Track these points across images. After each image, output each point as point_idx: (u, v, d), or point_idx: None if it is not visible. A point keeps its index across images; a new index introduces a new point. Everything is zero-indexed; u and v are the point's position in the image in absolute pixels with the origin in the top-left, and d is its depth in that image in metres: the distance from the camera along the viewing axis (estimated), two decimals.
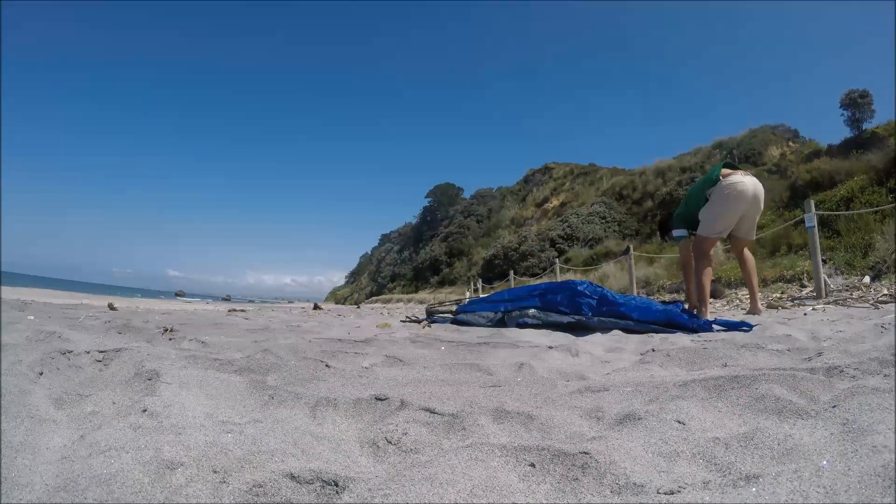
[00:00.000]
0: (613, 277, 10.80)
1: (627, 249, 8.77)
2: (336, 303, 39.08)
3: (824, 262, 6.71)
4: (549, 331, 2.72)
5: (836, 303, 4.91)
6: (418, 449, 0.85)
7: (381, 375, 1.40)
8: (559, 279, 11.37)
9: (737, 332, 2.54)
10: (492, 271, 18.65)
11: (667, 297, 8.01)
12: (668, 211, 3.99)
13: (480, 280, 17.73)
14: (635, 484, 0.66)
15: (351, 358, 1.68)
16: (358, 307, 16.61)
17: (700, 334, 2.56)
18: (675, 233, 3.88)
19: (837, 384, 1.04)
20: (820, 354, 1.49)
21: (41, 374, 1.18)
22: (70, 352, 1.34)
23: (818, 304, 5.00)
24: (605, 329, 2.78)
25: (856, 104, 11.76)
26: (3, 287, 7.92)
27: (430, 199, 37.31)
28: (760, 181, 3.50)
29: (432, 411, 0.98)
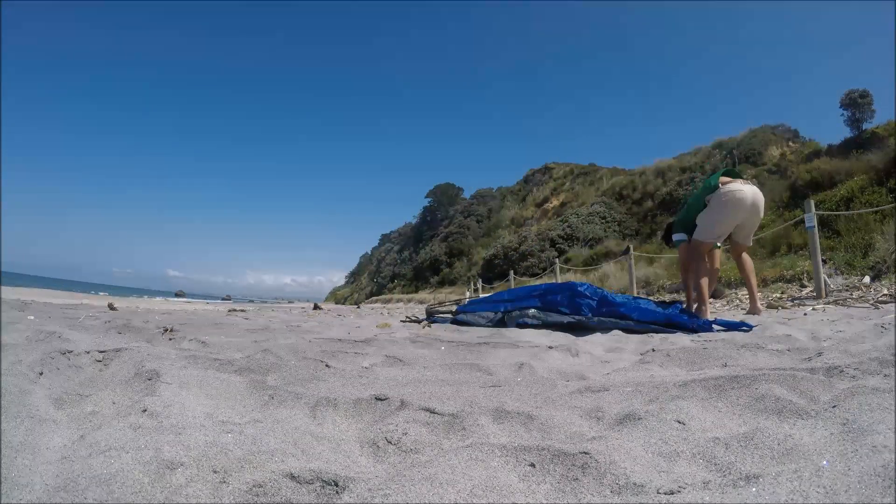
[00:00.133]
0: (613, 277, 10.80)
1: (627, 249, 8.77)
2: (336, 303, 39.08)
3: (824, 262, 6.71)
4: (549, 331, 2.72)
5: (836, 303, 4.91)
6: (418, 449, 0.85)
7: (381, 375, 1.40)
8: (559, 279, 11.37)
9: (737, 332, 2.54)
10: (492, 271, 18.65)
11: (667, 298, 8.01)
12: (670, 219, 4.14)
13: (480, 280, 17.73)
14: (635, 484, 0.66)
15: (351, 358, 1.68)
16: (358, 307, 16.61)
17: (700, 334, 2.56)
18: (675, 237, 3.92)
19: (837, 384, 1.04)
20: (820, 354, 1.49)
21: (41, 374, 1.18)
22: (70, 352, 1.34)
23: (818, 304, 5.00)
24: (605, 329, 2.78)
25: (856, 104, 11.76)
26: (3, 287, 7.92)
27: (430, 199, 37.31)
28: (760, 181, 3.57)
29: (432, 411, 0.98)
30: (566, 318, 2.91)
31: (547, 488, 0.68)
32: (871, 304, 4.48)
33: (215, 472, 0.71)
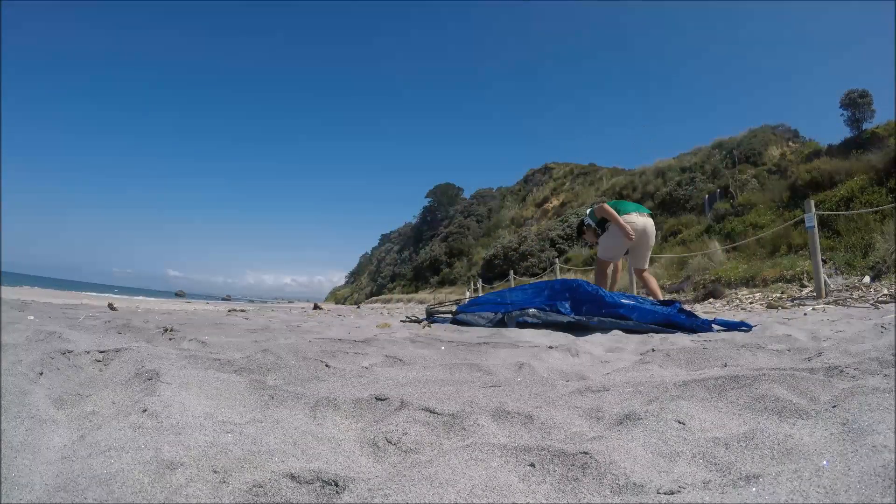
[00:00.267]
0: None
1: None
2: (336, 303, 39.07)
3: (824, 262, 6.71)
4: (549, 331, 2.72)
5: (836, 303, 4.91)
6: (418, 449, 0.85)
7: (381, 375, 1.40)
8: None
9: (737, 332, 2.54)
10: (492, 271, 18.66)
11: (667, 297, 8.01)
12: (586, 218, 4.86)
13: (480, 280, 17.73)
14: (635, 484, 0.66)
15: (351, 358, 1.68)
16: (358, 307, 16.61)
17: (700, 334, 2.57)
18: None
19: (837, 384, 1.04)
20: (820, 354, 1.49)
21: (41, 374, 1.18)
22: (70, 352, 1.34)
23: (818, 304, 5.00)
24: (605, 329, 2.78)
25: (856, 104, 11.76)
26: (3, 287, 7.92)
27: (430, 199, 37.32)
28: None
29: (432, 411, 0.98)
30: (566, 318, 2.91)
31: (547, 488, 0.68)
32: (871, 304, 4.48)
33: (215, 472, 0.71)
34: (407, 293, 28.37)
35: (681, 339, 2.31)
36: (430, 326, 3.28)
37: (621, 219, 4.26)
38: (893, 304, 4.25)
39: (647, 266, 4.53)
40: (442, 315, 3.78)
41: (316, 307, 11.40)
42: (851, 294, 5.44)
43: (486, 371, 1.49)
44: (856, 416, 0.81)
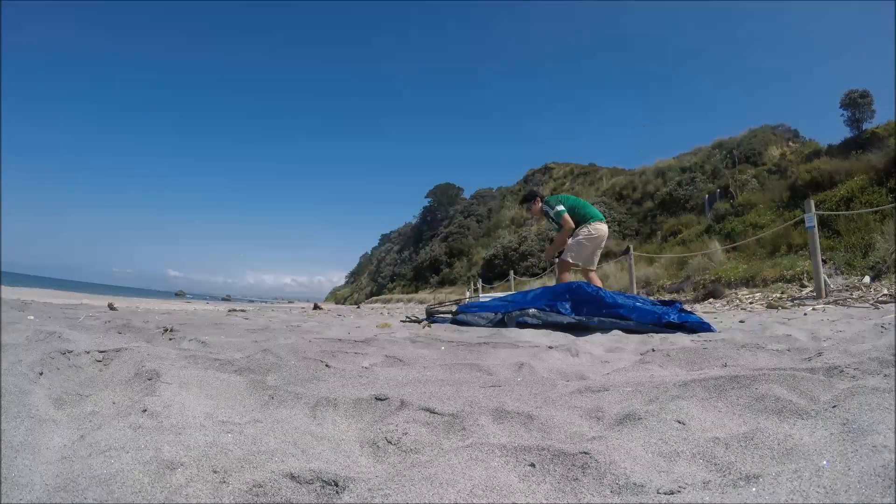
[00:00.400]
0: (613, 277, 10.80)
1: (627, 249, 8.77)
2: (336, 303, 39.08)
3: (824, 262, 6.71)
4: (549, 331, 2.72)
5: (836, 303, 4.91)
6: (418, 449, 0.85)
7: (381, 375, 1.40)
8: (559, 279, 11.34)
9: (737, 332, 2.54)
10: (492, 271, 18.65)
11: (667, 297, 8.01)
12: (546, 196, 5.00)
13: (480, 280, 17.72)
14: (635, 484, 0.66)
15: (351, 358, 1.68)
16: (358, 307, 16.61)
17: (700, 334, 2.57)
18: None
19: (837, 384, 1.04)
20: (820, 354, 1.49)
21: (41, 374, 1.18)
22: (70, 352, 1.34)
23: (818, 304, 5.00)
24: (605, 329, 2.78)
25: (856, 104, 11.76)
26: (3, 287, 7.92)
27: (430, 199, 37.31)
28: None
29: (432, 411, 0.98)
30: (566, 319, 2.91)
31: (547, 488, 0.68)
32: (871, 304, 4.48)
33: (215, 472, 0.71)
34: (407, 293, 28.37)
35: (681, 339, 2.31)
36: (430, 326, 3.28)
37: (591, 226, 4.65)
38: (893, 304, 4.25)
39: (594, 266, 4.88)
40: (442, 315, 3.78)
41: (316, 307, 11.40)
42: (851, 294, 5.44)
43: (486, 371, 1.49)
44: (856, 416, 0.81)
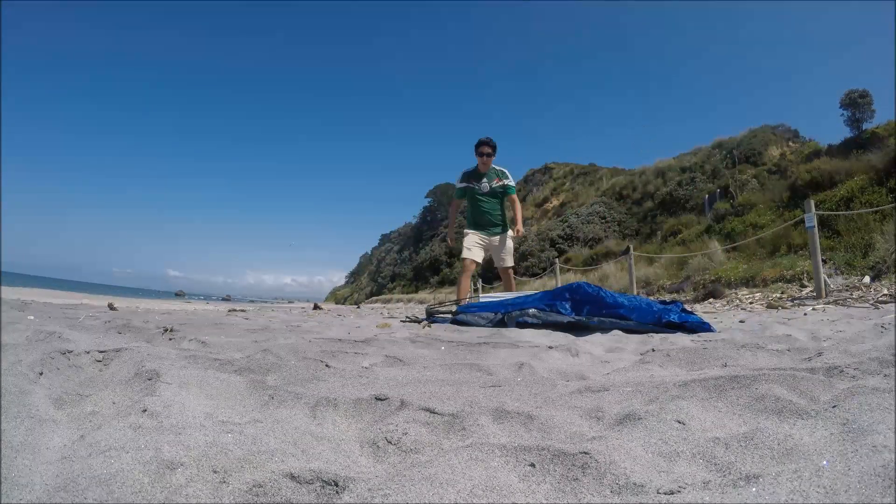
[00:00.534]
0: (613, 277, 10.80)
1: (627, 249, 8.78)
2: (336, 303, 39.06)
3: (824, 262, 6.71)
4: (549, 331, 2.72)
5: (836, 303, 4.91)
6: (418, 449, 0.85)
7: (381, 375, 1.40)
8: (559, 279, 11.37)
9: (737, 332, 2.54)
10: (492, 271, 18.66)
11: (667, 297, 8.01)
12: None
13: (480, 280, 17.73)
14: (635, 484, 0.66)
15: (351, 358, 1.68)
16: (358, 307, 16.61)
17: (700, 334, 2.57)
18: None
19: (837, 384, 1.04)
20: (820, 354, 1.49)
21: (41, 374, 1.18)
22: (70, 352, 1.34)
23: (818, 304, 5.00)
24: (605, 329, 2.78)
25: (856, 104, 11.76)
26: (3, 287, 7.92)
27: (430, 199, 37.33)
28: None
29: (432, 411, 0.98)
30: (566, 319, 2.91)
31: (547, 488, 0.68)
32: (871, 304, 4.48)
33: (215, 472, 0.71)
34: (407, 293, 28.35)
35: (681, 339, 2.31)
36: (430, 326, 3.28)
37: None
38: (893, 304, 4.25)
39: (506, 264, 4.82)
40: (442, 315, 3.78)
41: (316, 307, 11.39)
42: (851, 294, 5.44)
43: (486, 371, 1.49)
44: (856, 416, 0.81)
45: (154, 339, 2.04)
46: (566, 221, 18.18)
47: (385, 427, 0.92)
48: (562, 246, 17.07)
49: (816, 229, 5.60)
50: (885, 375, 1.08)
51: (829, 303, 4.99)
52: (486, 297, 4.01)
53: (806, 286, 6.71)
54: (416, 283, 30.24)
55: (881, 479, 0.60)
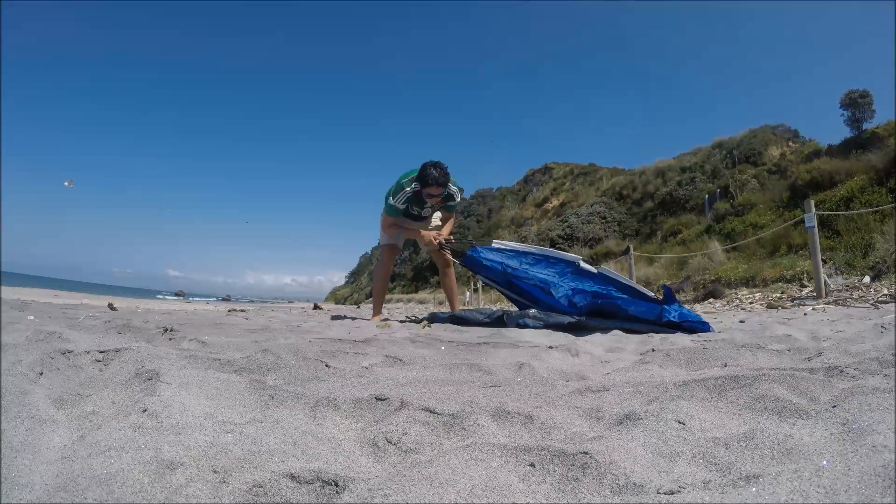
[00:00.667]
0: None
1: (627, 249, 8.78)
2: (336, 303, 39.05)
3: (824, 262, 6.71)
4: (549, 331, 2.72)
5: (836, 303, 4.91)
6: (418, 449, 0.85)
7: (381, 375, 1.40)
8: None
9: (737, 332, 2.54)
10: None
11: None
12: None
13: (481, 280, 17.72)
14: (635, 484, 0.66)
15: (351, 358, 1.68)
16: (358, 307, 16.60)
17: (700, 334, 2.57)
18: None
19: (837, 384, 1.04)
20: (820, 354, 1.49)
21: (41, 374, 1.18)
22: (70, 352, 1.34)
23: (818, 304, 5.00)
24: (605, 329, 2.78)
25: (856, 104, 11.77)
26: (3, 287, 7.92)
27: None
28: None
29: (432, 411, 0.98)
30: (566, 318, 2.92)
31: (547, 488, 0.68)
32: (871, 304, 4.48)
33: (215, 472, 0.71)
34: (407, 293, 28.36)
35: (681, 339, 2.31)
36: (430, 326, 3.28)
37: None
38: (893, 304, 4.26)
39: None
40: (442, 312, 3.82)
41: (316, 307, 11.39)
42: (851, 294, 5.44)
43: (486, 371, 1.49)
44: (856, 416, 0.81)
45: (154, 339, 2.04)
46: (566, 221, 18.18)
47: (385, 427, 0.92)
48: (562, 246, 17.08)
49: (816, 229, 5.60)
50: (885, 375, 1.08)
51: (829, 303, 4.99)
52: (498, 244, 3.71)
53: (806, 286, 6.71)
54: (416, 283, 30.25)
55: (881, 479, 0.60)
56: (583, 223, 17.40)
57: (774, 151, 14.38)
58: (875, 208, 7.59)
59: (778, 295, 6.53)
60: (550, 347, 1.97)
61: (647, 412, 0.91)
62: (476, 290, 16.44)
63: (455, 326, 3.19)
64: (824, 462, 0.67)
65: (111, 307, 5.15)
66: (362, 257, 55.29)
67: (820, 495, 0.60)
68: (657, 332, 2.70)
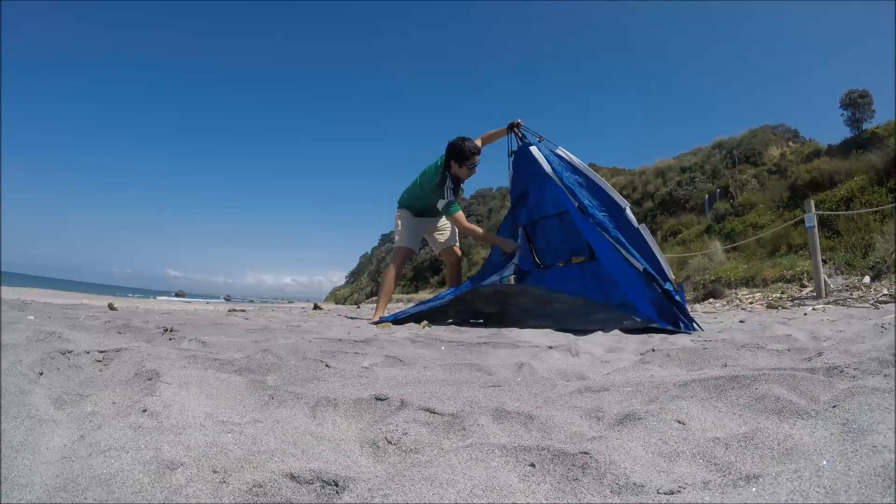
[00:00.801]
0: None
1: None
2: (336, 303, 39.04)
3: (824, 262, 6.71)
4: (549, 330, 2.72)
5: (836, 303, 4.91)
6: (418, 449, 0.85)
7: (381, 375, 1.40)
8: None
9: (737, 332, 2.54)
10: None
11: None
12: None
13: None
14: (635, 484, 0.66)
15: (351, 358, 1.68)
16: (358, 307, 16.59)
17: (700, 334, 2.57)
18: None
19: (837, 384, 1.04)
20: (820, 354, 1.49)
21: (41, 374, 1.18)
22: (70, 352, 1.34)
23: (818, 304, 5.00)
24: (606, 329, 2.78)
25: (856, 104, 11.77)
26: (3, 287, 7.92)
27: None
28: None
29: (432, 411, 0.98)
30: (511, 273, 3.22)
31: (547, 488, 0.68)
32: (871, 304, 4.48)
33: (215, 472, 0.71)
34: (407, 293, 28.36)
35: (681, 339, 2.32)
36: (430, 326, 3.28)
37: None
38: (893, 304, 4.26)
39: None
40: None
41: (316, 307, 11.39)
42: (851, 294, 5.44)
43: (486, 371, 1.49)
44: (856, 416, 0.81)
45: (154, 339, 2.04)
46: None
47: (385, 427, 0.92)
48: None
49: (816, 229, 5.60)
50: (885, 375, 1.09)
51: (829, 303, 4.99)
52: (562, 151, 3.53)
53: (806, 286, 6.71)
54: (417, 283, 30.26)
55: (881, 479, 0.60)
56: None
57: (774, 151, 14.38)
58: (875, 208, 7.59)
59: (778, 295, 6.53)
60: (550, 347, 1.97)
61: (647, 412, 0.91)
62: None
63: (455, 326, 3.19)
64: (824, 462, 0.67)
65: (111, 307, 5.15)
66: (362, 257, 55.28)
67: (820, 495, 0.60)
68: (657, 332, 2.70)
